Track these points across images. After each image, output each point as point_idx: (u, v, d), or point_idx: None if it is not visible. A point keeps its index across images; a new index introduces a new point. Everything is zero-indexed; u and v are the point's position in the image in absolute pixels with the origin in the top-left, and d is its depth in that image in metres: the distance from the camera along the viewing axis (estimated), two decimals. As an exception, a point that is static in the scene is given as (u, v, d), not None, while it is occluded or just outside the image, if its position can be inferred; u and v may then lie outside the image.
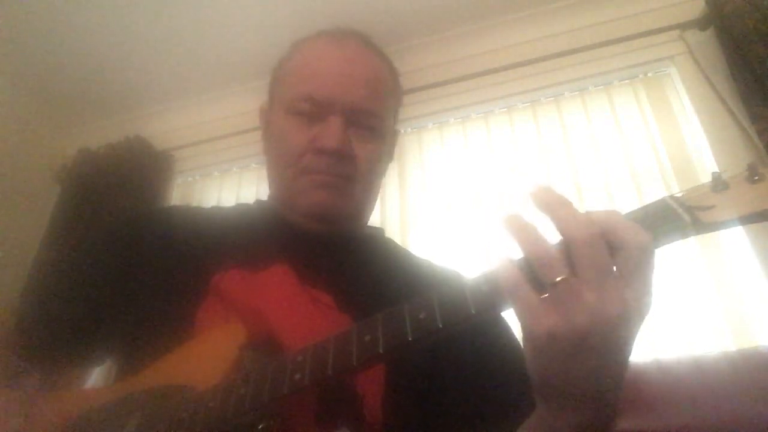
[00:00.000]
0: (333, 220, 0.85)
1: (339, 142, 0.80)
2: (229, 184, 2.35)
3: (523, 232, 0.49)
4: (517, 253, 0.50)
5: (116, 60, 2.26)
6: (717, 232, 0.50)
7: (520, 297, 0.48)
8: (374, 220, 0.98)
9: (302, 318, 0.72)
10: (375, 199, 0.94)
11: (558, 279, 0.46)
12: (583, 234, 0.47)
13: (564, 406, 0.51)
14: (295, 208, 0.84)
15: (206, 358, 0.67)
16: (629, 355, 0.49)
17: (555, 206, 0.49)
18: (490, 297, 0.49)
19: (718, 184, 0.50)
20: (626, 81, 1.98)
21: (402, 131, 2.12)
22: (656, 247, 0.48)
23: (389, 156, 0.95)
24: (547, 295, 0.47)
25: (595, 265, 0.46)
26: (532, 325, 0.47)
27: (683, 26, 1.90)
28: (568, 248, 0.47)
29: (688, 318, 1.52)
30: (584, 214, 0.48)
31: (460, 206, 1.94)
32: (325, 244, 0.84)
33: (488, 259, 1.77)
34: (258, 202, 0.99)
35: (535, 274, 0.48)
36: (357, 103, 0.83)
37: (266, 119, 0.94)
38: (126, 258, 0.84)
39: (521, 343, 0.51)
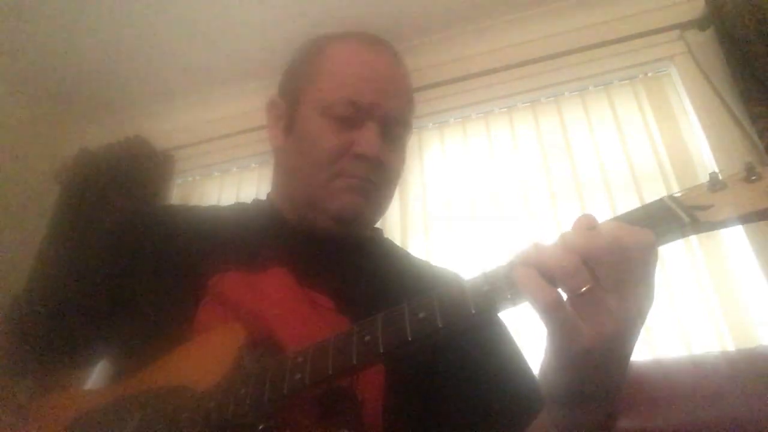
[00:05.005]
0: (356, 224, 0.85)
1: (379, 149, 0.82)
2: (229, 184, 2.35)
3: (537, 253, 0.49)
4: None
5: (116, 60, 2.25)
6: (716, 232, 0.51)
7: (562, 317, 0.47)
8: (374, 220, 0.97)
9: (301, 320, 0.72)
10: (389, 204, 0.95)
11: (584, 289, 0.46)
12: (602, 242, 0.47)
13: (582, 406, 0.53)
14: (322, 208, 0.83)
15: (206, 358, 0.67)
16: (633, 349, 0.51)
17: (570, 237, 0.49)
18: (490, 297, 0.49)
19: (716, 183, 0.50)
20: (626, 81, 1.98)
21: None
22: (656, 246, 0.48)
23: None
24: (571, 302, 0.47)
25: (615, 271, 0.46)
26: (570, 343, 0.47)
27: (683, 26, 1.90)
28: (586, 258, 0.47)
29: (688, 318, 1.52)
30: (593, 230, 0.49)
31: (459, 206, 1.93)
32: (323, 246, 0.84)
33: (487, 258, 1.77)
34: (256, 201, 0.99)
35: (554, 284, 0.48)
36: (395, 111, 0.84)
37: (284, 115, 0.90)
38: (125, 258, 0.83)
39: (554, 359, 0.50)
